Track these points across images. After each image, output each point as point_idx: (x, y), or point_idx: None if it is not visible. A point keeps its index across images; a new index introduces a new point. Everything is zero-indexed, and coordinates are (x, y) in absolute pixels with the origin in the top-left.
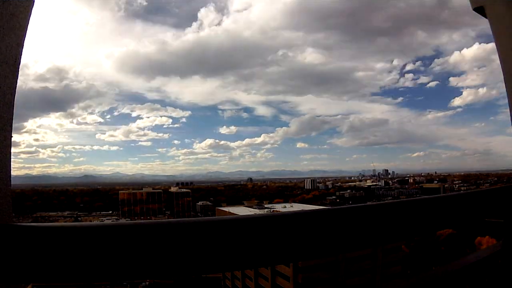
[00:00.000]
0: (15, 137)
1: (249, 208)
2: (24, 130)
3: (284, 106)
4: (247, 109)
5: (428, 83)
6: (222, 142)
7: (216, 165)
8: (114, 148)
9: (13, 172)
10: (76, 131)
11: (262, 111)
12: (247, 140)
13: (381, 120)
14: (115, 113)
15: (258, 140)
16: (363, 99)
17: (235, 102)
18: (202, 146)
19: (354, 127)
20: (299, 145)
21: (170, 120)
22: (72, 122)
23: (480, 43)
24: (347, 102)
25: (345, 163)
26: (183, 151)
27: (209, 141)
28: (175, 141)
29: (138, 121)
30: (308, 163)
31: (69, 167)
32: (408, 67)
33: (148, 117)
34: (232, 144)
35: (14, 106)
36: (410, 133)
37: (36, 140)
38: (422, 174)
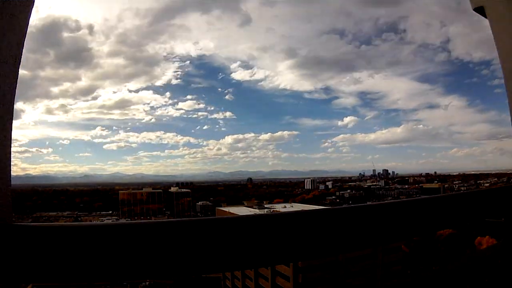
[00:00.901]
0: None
1: (249, 208)
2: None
3: (371, 96)
4: (331, 100)
5: None
6: (250, 135)
7: (216, 165)
8: (118, 146)
9: (13, 172)
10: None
11: (350, 101)
12: (275, 134)
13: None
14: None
15: (289, 134)
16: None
17: (330, 89)
18: (224, 142)
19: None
20: (326, 144)
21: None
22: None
23: None
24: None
25: (364, 160)
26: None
27: (234, 137)
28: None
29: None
30: (329, 162)
31: (69, 167)
32: None
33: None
34: (261, 138)
35: (14, 106)
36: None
37: (33, 135)
38: (422, 174)
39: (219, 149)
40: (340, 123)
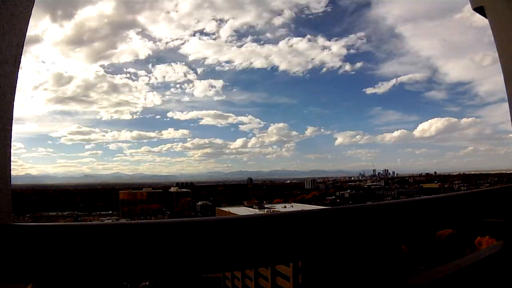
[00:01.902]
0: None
1: (249, 208)
2: None
3: (460, 89)
4: (423, 91)
5: None
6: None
7: (217, 165)
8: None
9: (13, 172)
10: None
11: (440, 95)
12: (310, 129)
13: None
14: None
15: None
16: None
17: (430, 78)
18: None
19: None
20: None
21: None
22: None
23: None
24: None
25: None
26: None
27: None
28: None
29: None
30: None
31: (69, 167)
32: None
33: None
34: (307, 132)
35: (14, 106)
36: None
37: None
38: (422, 174)
39: (243, 147)
40: (411, 119)
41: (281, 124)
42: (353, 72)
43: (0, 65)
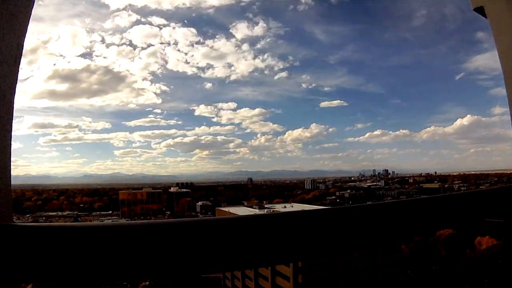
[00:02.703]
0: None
1: (249, 208)
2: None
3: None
4: (489, 88)
5: None
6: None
7: (216, 165)
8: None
9: (13, 172)
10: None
11: (498, 91)
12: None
13: None
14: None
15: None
16: None
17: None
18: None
19: None
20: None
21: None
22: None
23: None
24: None
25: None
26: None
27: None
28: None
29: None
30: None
31: (69, 167)
32: None
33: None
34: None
35: (14, 106)
36: None
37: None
38: (422, 174)
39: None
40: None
41: (314, 124)
42: (447, 63)
43: (0, 65)
